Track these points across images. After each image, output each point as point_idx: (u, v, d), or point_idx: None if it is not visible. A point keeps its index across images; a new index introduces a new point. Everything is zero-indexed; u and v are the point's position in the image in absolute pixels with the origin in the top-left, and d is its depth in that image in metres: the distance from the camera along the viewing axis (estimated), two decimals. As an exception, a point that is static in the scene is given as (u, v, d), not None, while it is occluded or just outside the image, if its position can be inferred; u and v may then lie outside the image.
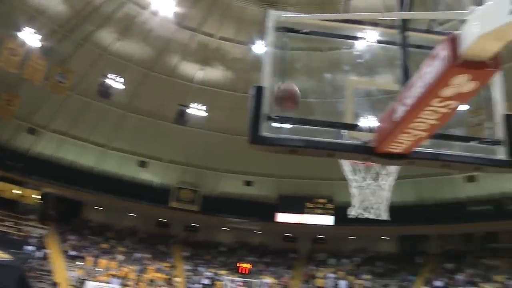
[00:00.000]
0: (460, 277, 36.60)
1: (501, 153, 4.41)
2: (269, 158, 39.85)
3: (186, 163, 41.28)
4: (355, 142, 4.08)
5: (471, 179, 37.17)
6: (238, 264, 40.66)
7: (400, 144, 3.98)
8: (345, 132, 4.08)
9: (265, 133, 3.75)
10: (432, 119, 3.59)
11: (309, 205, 41.68)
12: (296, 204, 41.55)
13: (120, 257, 38.57)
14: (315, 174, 41.29)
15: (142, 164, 40.23)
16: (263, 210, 41.28)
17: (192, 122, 37.44)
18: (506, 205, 35.89)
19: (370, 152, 4.10)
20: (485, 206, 37.07)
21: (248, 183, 42.13)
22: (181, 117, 36.29)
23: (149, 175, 41.11)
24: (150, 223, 44.35)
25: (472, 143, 4.42)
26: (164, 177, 41.45)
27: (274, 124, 3.78)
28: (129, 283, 35.61)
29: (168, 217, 43.24)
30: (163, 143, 39.56)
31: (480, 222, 36.71)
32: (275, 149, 4.12)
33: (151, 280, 37.07)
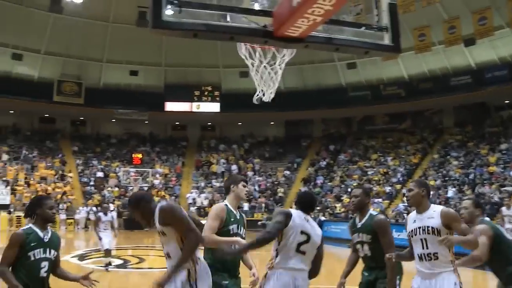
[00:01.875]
0: (341, 157, 39.57)
1: (386, 39, 4.71)
2: (154, 46, 38.81)
3: (66, 55, 38.88)
4: (254, 26, 4.15)
5: (351, 66, 38.95)
6: (132, 155, 40.62)
7: (298, 28, 4.12)
8: (244, 16, 4.12)
9: (166, 17, 3.69)
10: (328, 5, 3.74)
11: (197, 93, 41.73)
12: (184, 93, 41.38)
13: (5, 156, 36.88)
14: (201, 62, 41.03)
15: (17, 57, 37.19)
16: (150, 99, 40.74)
17: (68, 10, 34.71)
18: (381, 90, 38.36)
19: (269, 36, 4.21)
20: (363, 91, 39.38)
21: (134, 73, 40.93)
22: (56, 4, 33.43)
23: (27, 69, 38.36)
24: (33, 119, 42.35)
25: (362, 29, 4.66)
26: (44, 70, 38.96)
27: (175, 8, 3.72)
28: (19, 183, 34.52)
29: (52, 112, 41.36)
30: (38, 33, 36.57)
31: (359, 106, 39.17)
32: (177, 33, 4.09)
33: (42, 178, 36.17)
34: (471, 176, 28.77)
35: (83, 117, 43.57)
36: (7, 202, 32.03)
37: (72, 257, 15.49)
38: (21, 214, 30.68)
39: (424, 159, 34.63)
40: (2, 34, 35.61)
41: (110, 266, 13.61)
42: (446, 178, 29.93)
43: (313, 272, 4.56)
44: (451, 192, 27.64)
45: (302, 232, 4.39)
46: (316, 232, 4.54)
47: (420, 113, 38.97)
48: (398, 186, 31.88)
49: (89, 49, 38.90)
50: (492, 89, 31.91)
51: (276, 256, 4.45)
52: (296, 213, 4.50)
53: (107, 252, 13.53)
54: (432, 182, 29.30)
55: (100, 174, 37.89)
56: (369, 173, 35.16)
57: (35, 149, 39.39)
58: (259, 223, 33.10)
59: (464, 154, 32.14)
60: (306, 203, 4.71)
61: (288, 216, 4.41)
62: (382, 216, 5.55)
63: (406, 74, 37.30)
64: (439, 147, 35.22)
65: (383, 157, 36.80)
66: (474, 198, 5.47)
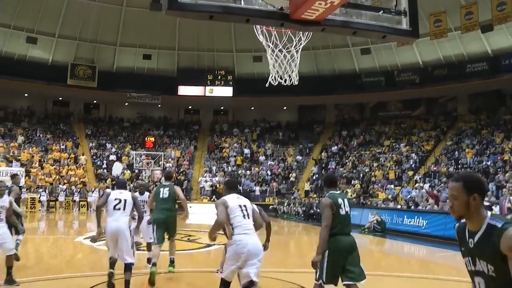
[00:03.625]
0: (354, 142, 39.41)
1: (404, 24, 4.64)
2: (167, 30, 38.72)
3: (80, 38, 38.96)
4: (270, 8, 4.09)
5: (365, 51, 38.58)
6: (145, 138, 40.76)
7: (314, 11, 4.05)
8: (261, -2, 4.06)
9: (182, -1, 3.64)
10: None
11: (210, 77, 41.65)
12: (197, 77, 41.34)
13: (20, 139, 37.18)
14: (215, 46, 40.92)
15: (32, 41, 37.30)
16: (163, 83, 40.74)
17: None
18: (395, 76, 38.03)
19: (285, 18, 4.15)
20: (377, 77, 39.08)
21: (147, 57, 40.89)
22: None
23: (41, 52, 38.49)
24: (47, 102, 42.60)
25: (380, 14, 4.59)
26: (58, 53, 39.09)
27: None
28: (34, 165, 34.82)
29: (66, 95, 41.57)
30: (52, 17, 36.66)
31: (372, 92, 38.91)
32: (192, 15, 4.04)
33: (56, 160, 36.48)
34: (485, 164, 28.48)
35: (97, 101, 43.75)
36: (21, 184, 32.35)
37: (85, 238, 15.62)
38: (36, 195, 31.08)
39: (437, 146, 34.36)
40: (17, 18, 35.77)
41: (149, 265, 9.07)
42: (459, 166, 29.68)
43: (255, 227, 6.03)
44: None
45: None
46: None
47: (434, 99, 38.60)
48: (410, 173, 31.70)
49: (102, 32, 38.93)
50: (509, 76, 31.43)
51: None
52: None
53: (149, 246, 10.06)
54: (444, 169, 29.13)
55: (112, 157, 38.11)
56: (381, 159, 34.98)
57: (49, 132, 39.68)
58: (271, 207, 33.22)
59: (478, 142, 31.81)
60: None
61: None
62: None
63: (420, 60, 36.90)
64: (452, 134, 34.91)
65: (396, 143, 36.58)
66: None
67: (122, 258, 7.42)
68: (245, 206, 5.90)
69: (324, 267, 5.51)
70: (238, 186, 6.99)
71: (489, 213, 2.72)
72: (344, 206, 5.70)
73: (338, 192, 5.88)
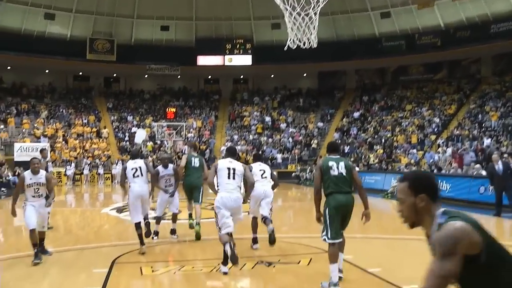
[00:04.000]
0: (375, 107, 39.08)
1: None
2: (184, 0, 38.46)
3: (97, 12, 38.94)
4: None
5: (385, 15, 37.81)
6: (166, 109, 40.92)
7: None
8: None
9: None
10: None
11: (228, 46, 41.40)
12: (215, 46, 41.11)
13: (44, 114, 37.66)
14: (232, 15, 40.56)
15: (49, 17, 37.35)
16: (182, 54, 40.60)
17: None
18: (416, 40, 37.32)
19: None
20: (398, 41, 38.39)
21: (165, 28, 40.71)
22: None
23: (59, 28, 38.59)
24: (67, 78, 42.93)
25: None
26: (76, 28, 39.17)
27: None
28: (58, 140, 35.29)
29: (86, 70, 41.81)
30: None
31: (393, 56, 38.31)
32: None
33: (79, 135, 36.94)
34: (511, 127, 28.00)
35: (116, 74, 43.93)
36: (48, 158, 32.85)
37: (111, 209, 15.93)
38: (62, 169, 31.64)
39: (460, 109, 33.85)
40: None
41: (174, 236, 10.03)
42: (483, 129, 29.26)
43: (273, 186, 8.95)
44: (487, 141, 27.04)
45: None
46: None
47: (456, 62, 37.88)
48: (433, 137, 31.37)
49: (119, 5, 38.86)
50: (535, 35, 30.62)
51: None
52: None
53: (174, 217, 10.18)
54: (467, 133, 28.78)
55: (134, 129, 38.43)
56: (403, 123, 34.65)
57: (71, 106, 40.09)
58: (293, 174, 33.33)
59: (503, 104, 31.24)
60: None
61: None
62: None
63: (442, 22, 36.08)
64: (476, 97, 34.30)
65: (418, 108, 36.13)
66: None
67: (145, 211, 8.87)
68: (233, 169, 7.15)
69: (328, 225, 6.06)
70: (236, 152, 8.20)
71: (440, 210, 2.35)
72: (338, 168, 6.24)
73: (336, 157, 6.45)
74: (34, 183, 7.93)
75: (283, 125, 40.08)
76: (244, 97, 44.32)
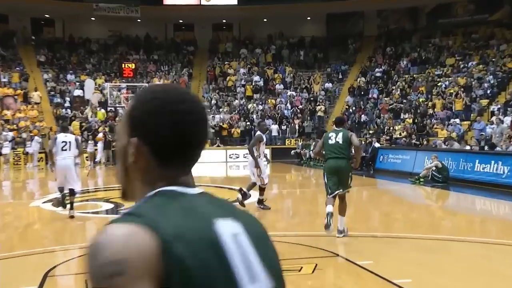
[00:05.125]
0: (403, 62, 38.88)
1: None
2: None
3: None
4: None
5: None
6: (122, 65, 40.46)
7: None
8: None
9: None
10: None
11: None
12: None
13: None
14: None
15: None
16: (144, -10, 40.34)
17: None
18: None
19: None
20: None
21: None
22: None
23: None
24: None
25: None
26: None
27: None
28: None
29: (3, 7, 40.42)
30: None
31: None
32: None
33: (-1, 99, 36.32)
34: None
35: (49, 15, 43.29)
36: None
37: (44, 202, 15.74)
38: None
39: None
40: None
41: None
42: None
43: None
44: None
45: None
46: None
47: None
48: (485, 102, 31.26)
49: None
50: None
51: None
52: (261, 133, 12.91)
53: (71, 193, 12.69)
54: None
55: (78, 92, 37.96)
56: (442, 84, 34.51)
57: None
58: (292, 152, 33.21)
59: None
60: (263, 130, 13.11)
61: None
62: None
63: None
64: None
65: (464, 62, 35.90)
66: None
67: (69, 185, 12.25)
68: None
69: (326, 183, 9.78)
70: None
71: (164, 188, 1.44)
72: (336, 137, 9.66)
73: (339, 129, 9.92)
74: None
75: (279, 87, 39.92)
76: (228, 49, 44.09)
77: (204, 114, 1.51)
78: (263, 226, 1.49)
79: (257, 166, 13.19)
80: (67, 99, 37.78)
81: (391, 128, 32.21)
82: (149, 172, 1.46)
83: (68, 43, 43.37)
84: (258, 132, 13.94)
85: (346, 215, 9.64)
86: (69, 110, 36.64)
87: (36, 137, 32.55)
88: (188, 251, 1.28)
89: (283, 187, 20.99)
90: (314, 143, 32.12)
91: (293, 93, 39.35)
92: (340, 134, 9.66)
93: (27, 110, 35.89)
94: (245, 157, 30.28)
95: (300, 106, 38.09)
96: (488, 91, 31.96)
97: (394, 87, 36.83)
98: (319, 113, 37.22)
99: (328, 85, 39.95)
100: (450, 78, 34.72)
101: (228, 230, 1.36)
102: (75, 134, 15.58)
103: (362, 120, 34.05)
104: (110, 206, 14.75)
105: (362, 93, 37.59)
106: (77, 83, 39.07)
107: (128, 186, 1.54)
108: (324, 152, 9.90)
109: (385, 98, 35.87)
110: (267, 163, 13.89)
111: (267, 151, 21.97)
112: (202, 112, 1.49)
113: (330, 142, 9.67)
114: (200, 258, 1.29)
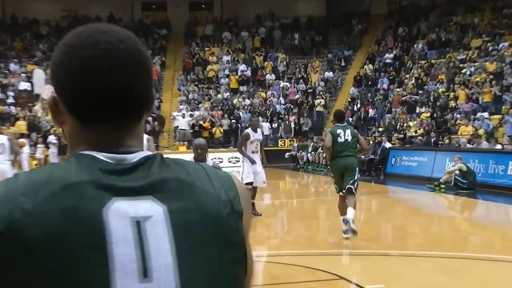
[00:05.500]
0: (419, 45, 38.97)
1: None
2: None
3: None
4: None
5: None
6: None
7: None
8: None
9: None
10: None
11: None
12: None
13: None
14: None
15: None
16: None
17: None
18: None
19: None
20: None
21: None
22: None
23: None
24: None
25: None
26: None
27: None
28: None
29: None
30: None
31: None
32: None
33: None
34: None
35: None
36: None
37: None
38: None
39: None
40: None
41: None
42: None
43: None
44: None
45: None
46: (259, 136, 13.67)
47: None
48: (517, 92, 31.38)
49: None
50: None
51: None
52: (248, 130, 13.47)
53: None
54: None
55: (25, 85, 37.77)
56: (466, 70, 34.58)
57: None
58: (287, 155, 33.23)
59: None
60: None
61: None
62: None
63: None
64: None
65: (493, 43, 36.00)
66: None
67: None
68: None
69: (333, 181, 11.19)
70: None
71: (87, 152, 1.35)
72: (344, 135, 10.72)
73: (343, 124, 11.08)
74: None
75: (270, 77, 39.98)
76: (208, 32, 44.23)
77: (130, 58, 1.42)
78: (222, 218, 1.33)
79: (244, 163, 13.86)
80: (11, 93, 37.50)
81: (405, 124, 32.26)
82: (74, 135, 1.41)
83: (10, 25, 43.38)
84: (247, 130, 14.42)
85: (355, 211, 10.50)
86: (13, 107, 36.34)
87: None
88: (41, 232, 1.20)
89: (276, 197, 20.92)
90: (312, 143, 32.27)
91: (287, 84, 39.46)
92: (348, 131, 10.79)
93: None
94: (230, 162, 30.41)
95: (295, 99, 38.10)
96: (523, 80, 32.04)
97: (408, 76, 36.95)
98: (318, 108, 37.28)
99: (329, 74, 40.10)
100: (476, 64, 34.80)
101: (126, 212, 1.25)
102: (8, 135, 14.65)
103: (369, 116, 34.20)
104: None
105: (370, 83, 37.75)
106: (23, 75, 38.83)
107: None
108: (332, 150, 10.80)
109: (397, 89, 35.99)
110: (264, 166, 13.83)
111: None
112: (123, 54, 1.39)
113: (339, 140, 10.66)
114: (54, 240, 1.20)
